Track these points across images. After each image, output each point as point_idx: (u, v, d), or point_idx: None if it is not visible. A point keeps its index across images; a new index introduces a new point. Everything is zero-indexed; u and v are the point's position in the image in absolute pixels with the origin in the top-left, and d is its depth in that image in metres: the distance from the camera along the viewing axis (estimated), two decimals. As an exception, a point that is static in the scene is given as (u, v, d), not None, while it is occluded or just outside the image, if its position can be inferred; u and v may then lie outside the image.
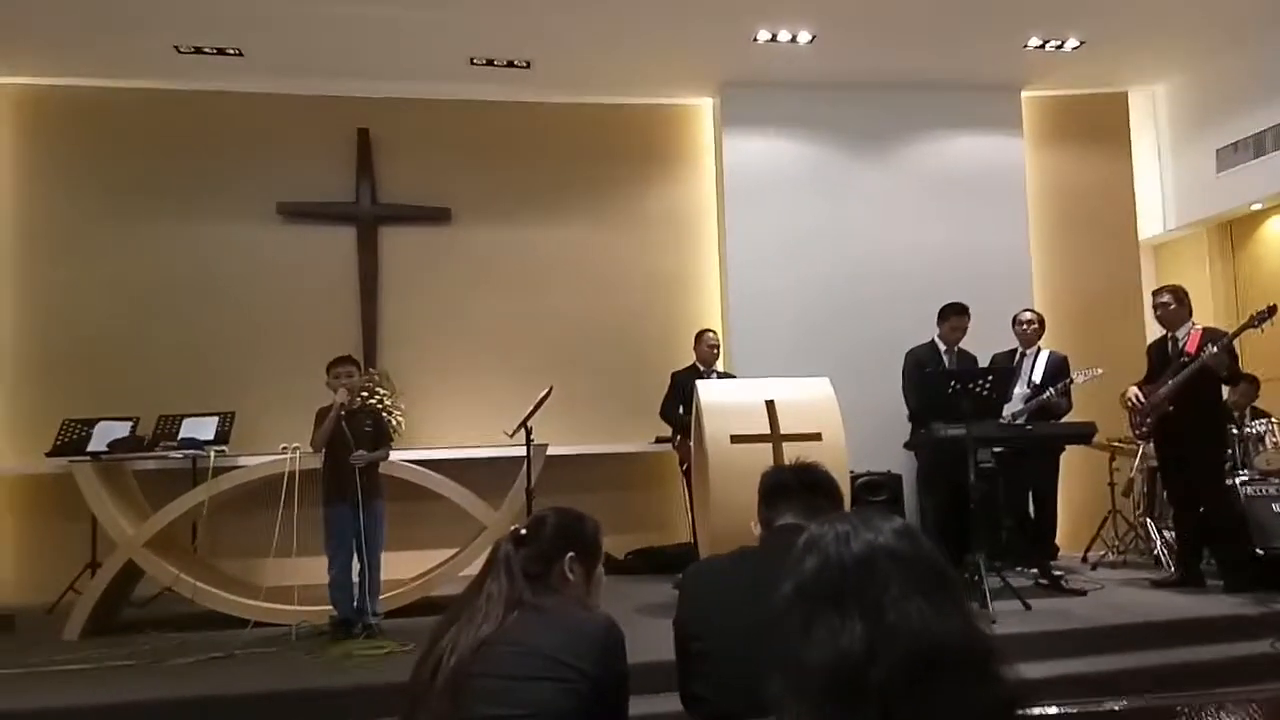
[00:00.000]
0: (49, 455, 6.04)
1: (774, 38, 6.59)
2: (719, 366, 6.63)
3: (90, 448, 5.62)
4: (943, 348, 6.08)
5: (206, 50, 6.41)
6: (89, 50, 6.41)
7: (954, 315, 6.02)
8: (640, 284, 7.45)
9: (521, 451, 5.49)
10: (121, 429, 5.81)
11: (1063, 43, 6.90)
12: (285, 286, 7.00)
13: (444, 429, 6.86)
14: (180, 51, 6.40)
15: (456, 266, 7.24)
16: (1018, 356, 6.07)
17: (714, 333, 6.64)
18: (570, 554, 2.10)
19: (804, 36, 6.59)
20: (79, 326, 6.74)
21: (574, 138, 7.44)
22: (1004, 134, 7.56)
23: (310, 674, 4.23)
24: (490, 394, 6.81)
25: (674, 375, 6.50)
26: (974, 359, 6.09)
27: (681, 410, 6.32)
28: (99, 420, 5.97)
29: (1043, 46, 6.93)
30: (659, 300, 7.45)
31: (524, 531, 2.13)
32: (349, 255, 7.12)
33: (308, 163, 7.10)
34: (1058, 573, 5.55)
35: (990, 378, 4.99)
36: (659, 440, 6.87)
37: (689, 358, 6.61)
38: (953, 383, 4.96)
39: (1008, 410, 5.62)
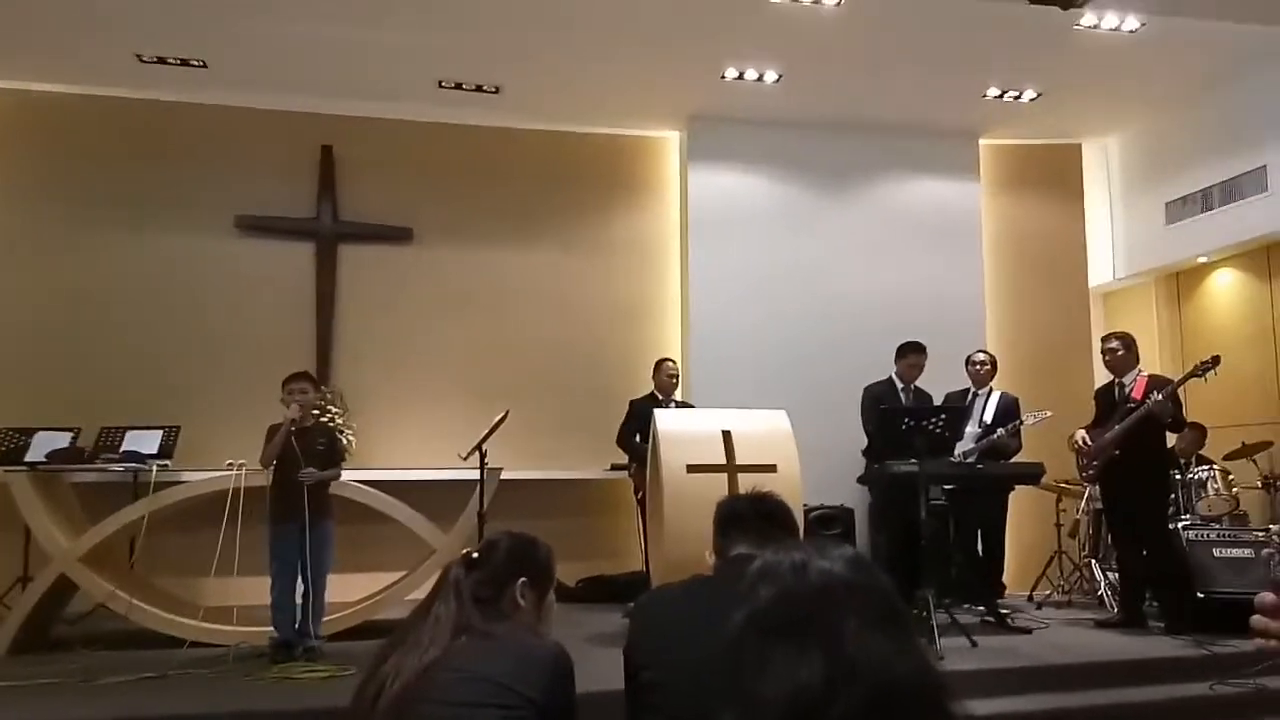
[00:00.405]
0: (-18, 464, 5.85)
1: (741, 75, 6.70)
2: (677, 396, 6.64)
3: (28, 458, 5.45)
4: (900, 385, 6.16)
5: (170, 60, 6.34)
6: (49, 55, 6.31)
7: (911, 353, 6.11)
8: (602, 311, 7.46)
9: (475, 475, 5.43)
10: (62, 439, 5.64)
11: (1020, 94, 7.10)
12: (240, 300, 6.89)
13: (397, 451, 6.77)
14: (143, 60, 6.32)
15: (417, 287, 7.19)
16: (970, 396, 6.16)
17: (673, 362, 6.66)
18: (522, 579, 2.07)
19: (770, 75, 6.71)
20: (23, 332, 6.56)
21: (541, 164, 7.47)
22: (962, 179, 7.74)
23: (246, 696, 4.11)
24: (446, 417, 6.74)
25: (632, 403, 6.49)
26: (929, 397, 6.17)
27: (638, 439, 6.31)
28: (37, 430, 5.79)
29: (1001, 96, 7.13)
30: (620, 328, 7.47)
31: (475, 555, 2.09)
32: (307, 271, 7.04)
33: (269, 177, 7.03)
34: (1004, 611, 5.60)
35: (944, 416, 5.06)
36: (614, 468, 6.85)
37: (648, 386, 6.61)
38: (907, 419, 5.02)
39: (959, 449, 5.70)
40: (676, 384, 6.59)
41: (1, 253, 6.63)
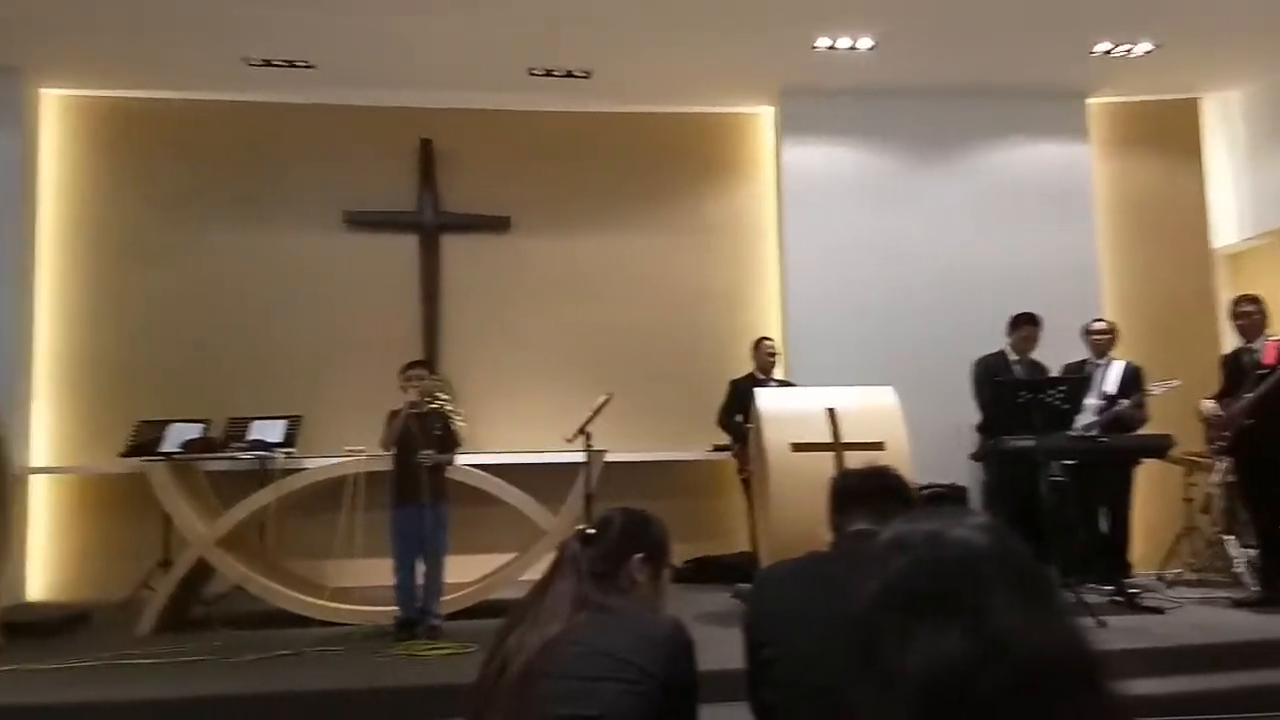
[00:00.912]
0: (122, 455, 6.21)
1: (833, 45, 6.55)
2: (777, 374, 6.60)
3: (163, 448, 5.78)
4: (1013, 357, 5.97)
5: (276, 63, 6.57)
6: (163, 64, 6.61)
7: (1026, 324, 5.91)
8: (697, 293, 7.44)
9: (579, 458, 5.51)
10: (193, 430, 5.97)
11: (1132, 48, 6.74)
12: (350, 293, 7.13)
13: (502, 436, 6.91)
14: (250, 64, 6.57)
15: (516, 275, 7.31)
16: (1090, 366, 5.93)
17: (771, 340, 6.61)
18: (638, 555, 2.09)
19: (865, 43, 6.54)
20: (153, 331, 6.93)
21: (632, 147, 7.48)
22: (1070, 141, 7.41)
23: (376, 672, 4.29)
24: (547, 401, 6.84)
25: (732, 383, 6.47)
26: (1044, 369, 5.96)
27: (740, 418, 6.29)
28: (171, 422, 6.14)
29: (1110, 52, 6.78)
30: (716, 309, 7.44)
31: (591, 531, 2.12)
32: (411, 263, 7.23)
33: (372, 173, 7.23)
34: (1133, 590, 5.38)
35: (1063, 387, 4.88)
36: (717, 448, 6.84)
37: (746, 366, 6.57)
38: (1024, 392, 4.86)
39: (1079, 422, 5.49)
40: (775, 362, 6.55)
41: (129, 255, 7.00)
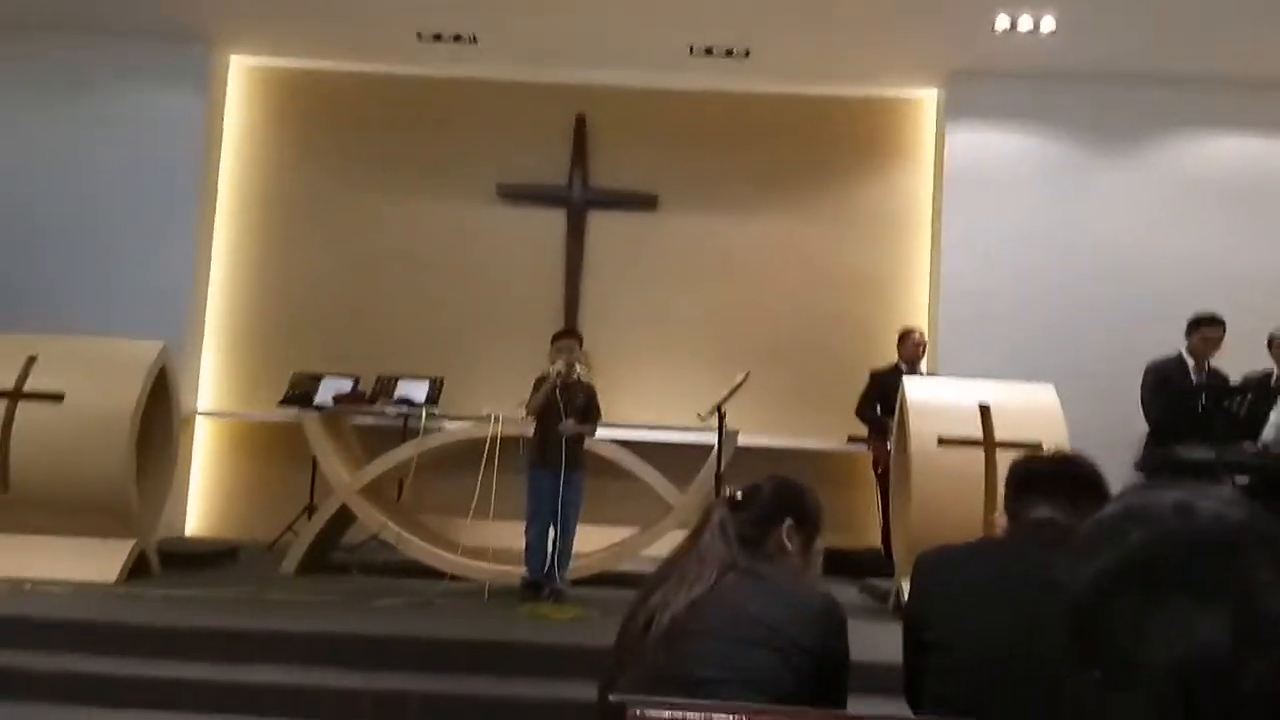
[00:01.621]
0: (281, 404, 6.55)
1: (1014, 25, 6.19)
2: (922, 368, 6.33)
3: (316, 400, 6.05)
4: (1190, 362, 5.51)
5: (445, 37, 6.76)
6: (342, 36, 6.90)
7: (1206, 325, 5.44)
8: (844, 280, 7.23)
9: (709, 440, 5.43)
10: (345, 385, 6.23)
11: (1352, 33, 6.09)
12: (498, 264, 7.28)
13: (635, 411, 6.91)
14: (420, 38, 6.77)
15: (660, 253, 7.29)
16: (1275, 379, 5.40)
17: (921, 332, 6.34)
18: (789, 521, 2.00)
19: (1047, 24, 6.15)
20: (314, 290, 7.26)
21: (787, 130, 7.32)
22: (1266, 135, 6.79)
23: (502, 628, 4.35)
24: (683, 381, 6.79)
25: (874, 373, 6.25)
26: (1224, 378, 5.48)
27: (879, 410, 6.07)
28: (325, 376, 6.43)
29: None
30: (862, 297, 7.20)
31: (740, 496, 2.04)
32: (558, 237, 7.32)
33: (527, 147, 7.35)
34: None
35: (1249, 395, 4.45)
36: (852, 440, 6.64)
37: (888, 357, 6.34)
38: (1204, 398, 4.46)
39: (1264, 436, 5.00)
40: (923, 355, 6.28)
41: (293, 217, 7.35)
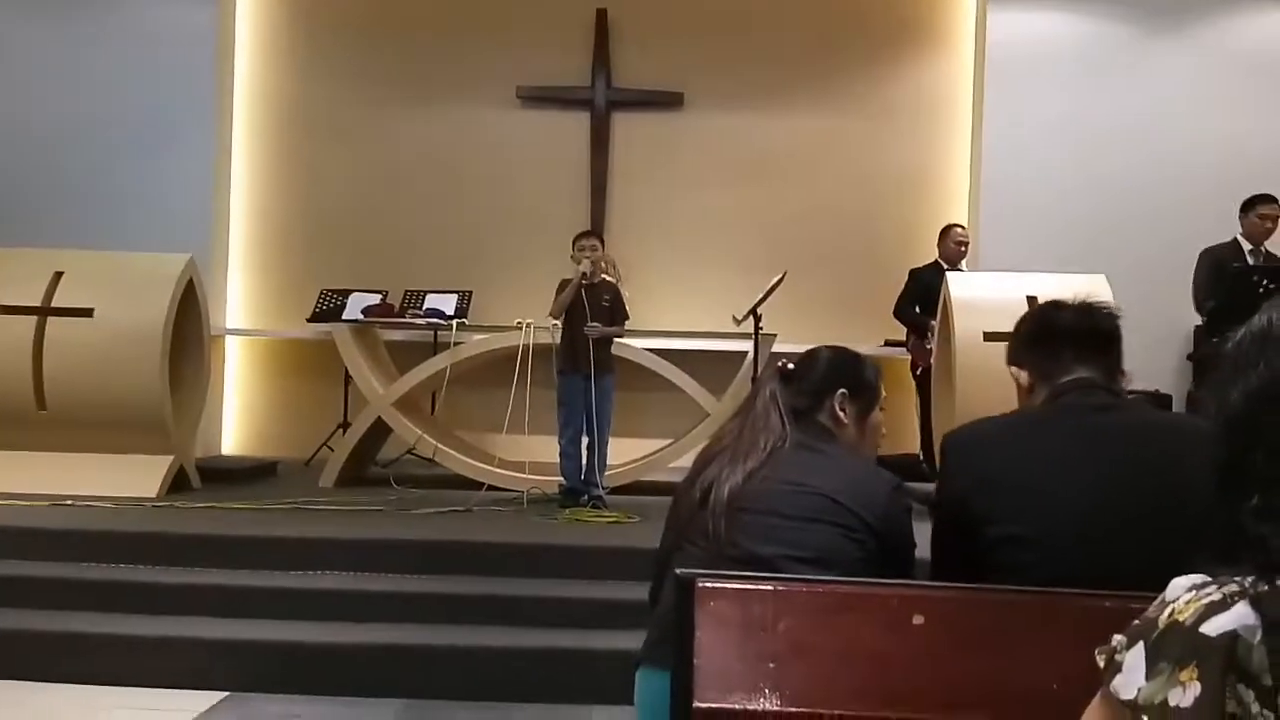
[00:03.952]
0: (310, 321, 6.52)
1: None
2: (963, 267, 6.15)
3: (345, 315, 6.00)
4: (1247, 247, 5.31)
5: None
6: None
7: (1262, 204, 5.24)
8: (878, 177, 6.99)
9: (742, 346, 5.33)
10: (373, 299, 6.16)
11: None
12: (521, 170, 7.09)
13: (667, 317, 6.80)
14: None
15: (687, 154, 7.07)
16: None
17: (963, 228, 6.15)
18: (841, 390, 1.90)
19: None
20: (337, 203, 7.11)
21: (817, 20, 6.99)
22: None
23: (543, 532, 4.37)
24: (715, 286, 6.65)
25: (913, 272, 6.08)
26: (1281, 262, 5.28)
27: (918, 310, 5.93)
28: (352, 291, 6.37)
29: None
30: (897, 194, 6.97)
31: (791, 366, 1.94)
32: (582, 139, 7.11)
33: (546, 46, 7.08)
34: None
35: (1314, 277, 4.26)
36: (888, 343, 6.51)
37: (925, 257, 6.17)
38: (1264, 281, 4.28)
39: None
40: (965, 253, 6.10)
41: (311, 129, 7.16)
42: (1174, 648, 0.75)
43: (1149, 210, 6.32)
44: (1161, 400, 6.05)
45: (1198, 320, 5.50)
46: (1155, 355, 5.71)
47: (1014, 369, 1.86)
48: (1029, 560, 1.60)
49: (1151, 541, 1.51)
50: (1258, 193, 5.33)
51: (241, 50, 7.13)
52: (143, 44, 6.63)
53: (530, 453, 5.53)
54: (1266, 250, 5.32)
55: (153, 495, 4.81)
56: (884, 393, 2.01)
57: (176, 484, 5.04)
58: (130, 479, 4.80)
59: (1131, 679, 0.78)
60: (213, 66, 6.81)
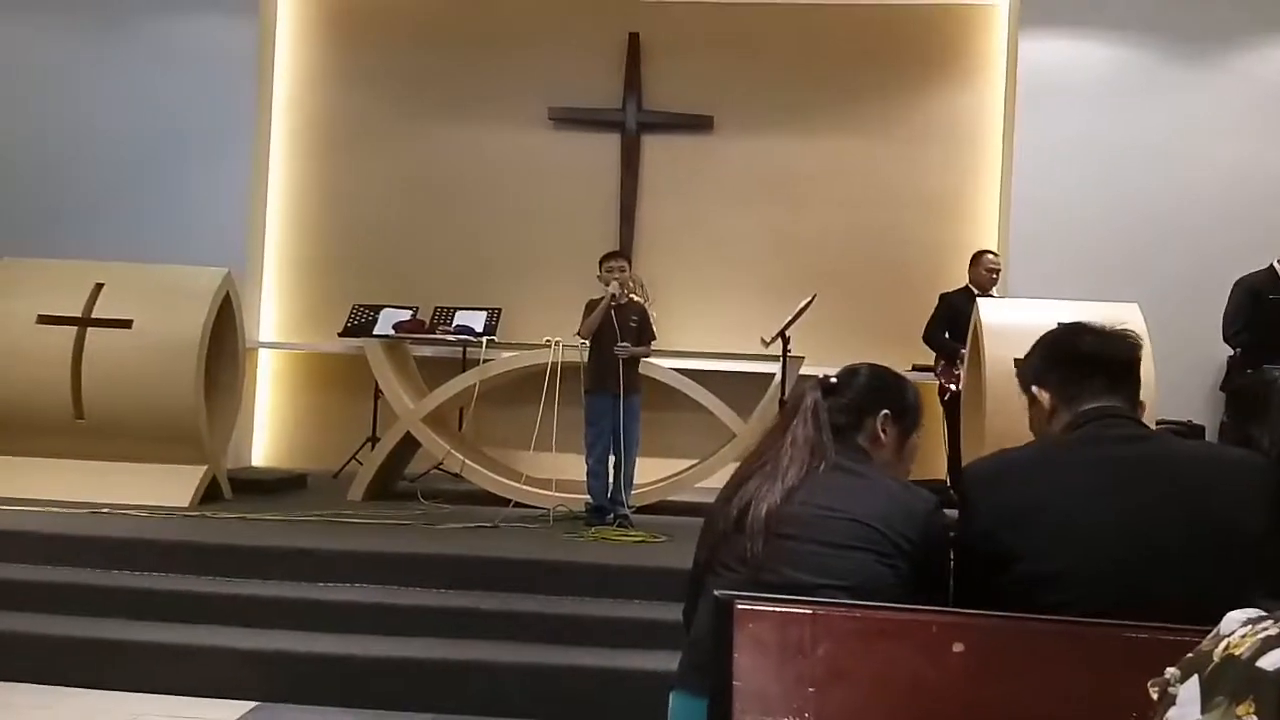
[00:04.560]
0: (341, 335, 6.60)
1: (1093, -79, 5.82)
2: (994, 293, 6.12)
3: (376, 331, 6.07)
4: (1282, 278, 5.26)
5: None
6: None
7: None
8: (907, 201, 6.98)
9: (770, 369, 5.32)
10: (403, 315, 6.24)
11: None
12: (552, 190, 7.15)
13: (693, 340, 6.81)
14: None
15: (716, 176, 7.10)
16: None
17: (994, 255, 6.12)
18: (885, 411, 1.88)
19: (1127, -79, 5.78)
20: (371, 219, 7.19)
21: (848, 44, 7.02)
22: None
23: (569, 549, 4.38)
24: (743, 308, 6.66)
25: (944, 296, 6.06)
26: (1320, 293, 5.22)
27: (948, 335, 5.91)
28: (384, 307, 6.44)
29: None
30: (927, 219, 6.95)
31: (834, 380, 1.93)
32: (613, 161, 7.16)
33: (579, 67, 7.15)
34: None
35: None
36: (915, 368, 6.46)
37: (954, 281, 6.15)
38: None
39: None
40: (996, 279, 6.08)
41: (346, 144, 7.25)
42: (1230, 681, 0.75)
43: (1180, 237, 6.27)
44: (1195, 431, 5.99)
45: (1230, 351, 5.43)
46: (1187, 385, 5.66)
47: (1036, 389, 1.82)
48: (1061, 599, 1.57)
49: (1184, 574, 1.51)
50: None
51: (281, 68, 7.27)
52: (184, 61, 6.77)
53: (557, 470, 5.54)
54: (1304, 279, 5.27)
55: (185, 505, 4.87)
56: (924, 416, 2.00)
57: (209, 494, 5.11)
58: (164, 488, 4.87)
59: (1187, 712, 0.77)
60: (252, 83, 6.94)
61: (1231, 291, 5.32)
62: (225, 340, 5.38)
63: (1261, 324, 4.72)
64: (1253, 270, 5.37)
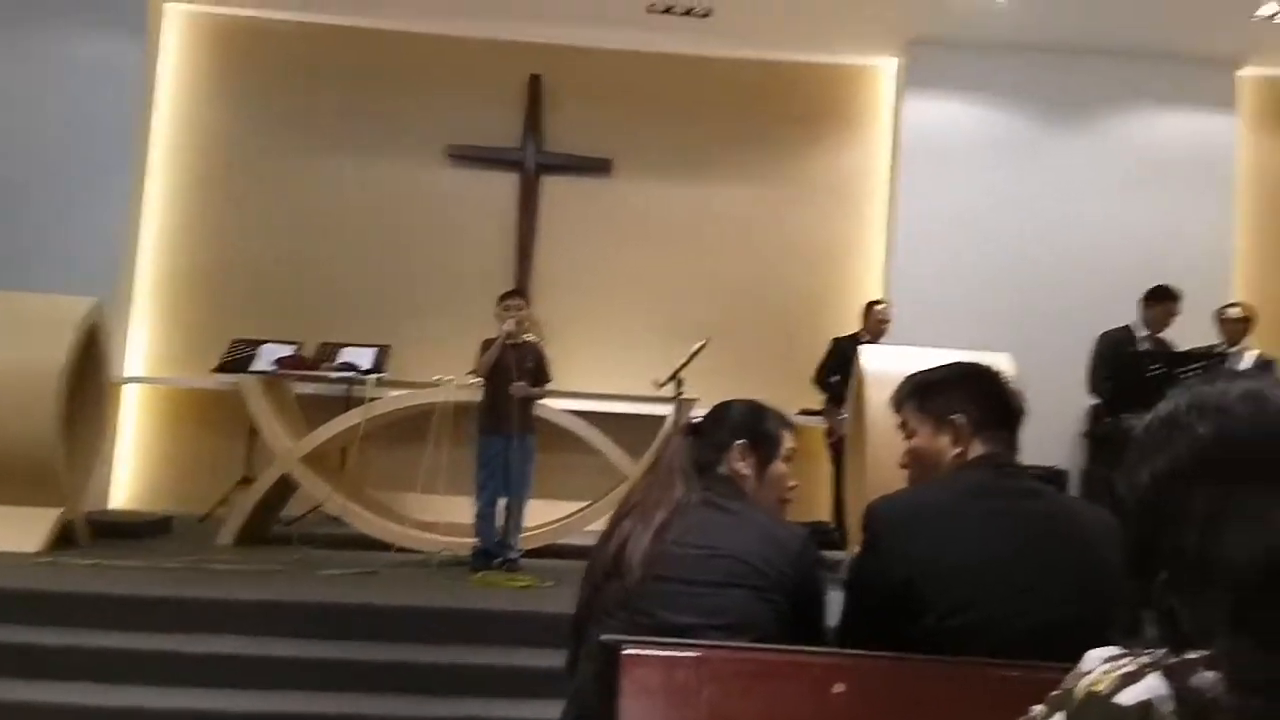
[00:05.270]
0: (215, 371, 6.26)
1: (973, -7, 6.18)
2: (884, 342, 6.33)
3: (255, 366, 5.79)
4: (1141, 333, 5.59)
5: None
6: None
7: (1166, 300, 5.50)
8: (798, 250, 7.18)
9: (662, 411, 5.35)
10: (286, 351, 5.98)
11: (1300, 15, 6.20)
12: (447, 228, 7.05)
13: (589, 380, 6.79)
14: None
15: (613, 219, 7.15)
16: (1220, 352, 5.51)
17: (887, 306, 6.32)
18: (741, 441, 1.91)
19: (1006, -7, 6.16)
20: (252, 251, 6.94)
21: (744, 95, 7.23)
22: (1213, 113, 6.91)
23: (453, 595, 4.24)
24: (637, 350, 6.68)
25: (835, 340, 6.22)
26: (1173, 350, 5.57)
27: (837, 378, 6.05)
28: (265, 342, 6.16)
29: (1275, 18, 6.25)
30: (816, 268, 7.17)
31: (699, 421, 2.01)
32: (510, 201, 7.13)
33: (479, 107, 7.13)
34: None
35: (1203, 364, 4.52)
36: (804, 412, 6.59)
37: (845, 327, 6.34)
38: (1157, 366, 4.51)
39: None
40: (887, 329, 6.28)
41: (238, 176, 7.00)
42: (1092, 717, 0.77)
43: (1054, 295, 6.61)
44: (1059, 476, 6.29)
45: (1092, 400, 5.74)
46: (1055, 431, 5.93)
47: (953, 417, 1.80)
48: (977, 649, 1.59)
49: (1085, 628, 1.55)
50: (1160, 285, 5.60)
51: (164, 91, 6.98)
52: (59, 75, 6.44)
53: (446, 513, 5.39)
54: (1159, 337, 5.60)
55: (33, 550, 4.51)
56: (788, 443, 1.99)
57: (63, 539, 4.75)
58: (10, 532, 4.50)
59: None
60: (134, 106, 6.64)
61: (1096, 344, 5.62)
62: (91, 374, 5.05)
63: (1122, 375, 5.00)
64: (1116, 326, 5.69)
